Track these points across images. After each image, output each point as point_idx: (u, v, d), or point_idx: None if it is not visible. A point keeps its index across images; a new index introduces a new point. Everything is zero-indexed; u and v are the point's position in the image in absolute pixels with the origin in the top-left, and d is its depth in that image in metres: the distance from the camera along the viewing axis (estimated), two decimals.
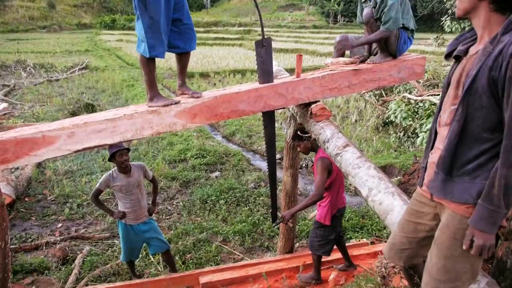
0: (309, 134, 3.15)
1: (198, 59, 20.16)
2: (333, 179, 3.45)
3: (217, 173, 7.10)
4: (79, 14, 55.49)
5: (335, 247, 3.80)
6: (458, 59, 1.50)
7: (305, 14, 53.12)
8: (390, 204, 2.02)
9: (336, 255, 4.02)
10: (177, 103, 2.60)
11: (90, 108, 10.75)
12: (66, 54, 25.42)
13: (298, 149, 3.59)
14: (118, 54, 25.61)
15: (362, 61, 3.26)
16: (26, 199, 6.11)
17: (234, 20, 46.91)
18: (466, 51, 1.47)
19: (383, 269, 2.43)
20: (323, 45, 27.28)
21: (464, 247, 1.38)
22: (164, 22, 2.46)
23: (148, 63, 2.58)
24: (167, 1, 2.45)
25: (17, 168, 6.67)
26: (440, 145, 1.49)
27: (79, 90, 14.42)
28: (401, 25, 2.98)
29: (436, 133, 1.56)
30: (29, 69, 18.15)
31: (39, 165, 7.25)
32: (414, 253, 1.71)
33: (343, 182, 3.64)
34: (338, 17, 48.18)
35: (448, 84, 1.51)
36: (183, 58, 2.80)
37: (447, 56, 1.56)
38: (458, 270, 1.45)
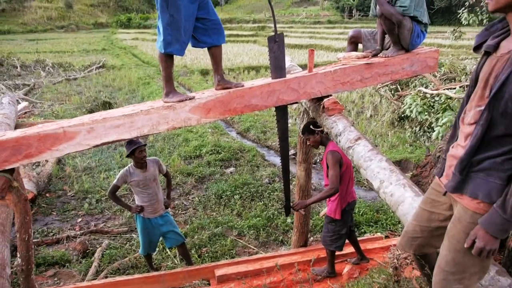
0: (321, 128, 3.18)
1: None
2: (343, 172, 3.47)
3: (232, 169, 7.18)
4: (96, 13, 56.30)
5: (347, 241, 3.82)
6: (488, 53, 1.42)
7: (320, 9, 52.69)
8: (401, 196, 2.04)
9: (350, 248, 4.05)
10: (191, 99, 2.66)
11: (108, 106, 10.94)
12: (83, 53, 25.88)
13: (308, 143, 3.62)
14: (134, 53, 25.94)
15: (375, 55, 3.26)
16: (47, 194, 6.31)
17: (248, 16, 46.91)
18: (496, 46, 1.38)
19: (395, 261, 2.45)
20: (338, 40, 27.05)
21: (465, 245, 1.39)
22: (184, 21, 2.52)
23: (166, 59, 2.66)
24: (191, 1, 2.52)
25: (38, 165, 6.88)
26: (461, 141, 1.46)
27: (97, 88, 14.69)
28: (411, 15, 2.96)
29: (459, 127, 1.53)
30: (48, 69, 18.56)
31: (59, 162, 7.46)
32: (425, 242, 1.71)
33: (352, 176, 3.67)
34: (353, 11, 47.63)
35: (476, 79, 1.44)
36: (214, 52, 2.83)
37: (476, 48, 1.48)
38: (466, 264, 1.45)
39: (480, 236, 1.35)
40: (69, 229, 5.29)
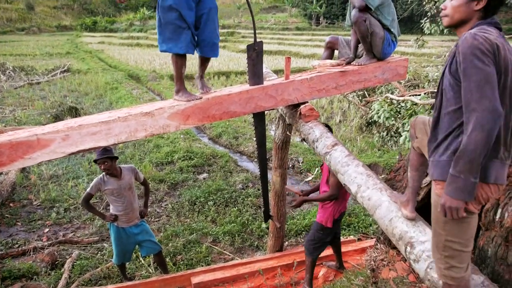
0: None
1: None
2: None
3: (204, 175, 7.14)
4: (59, 16, 54.56)
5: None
6: None
7: (288, 16, 53.51)
8: (378, 200, 2.12)
9: (326, 252, 4.10)
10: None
11: (74, 111, 10.62)
12: (46, 56, 25.00)
13: None
14: (100, 57, 25.34)
15: (348, 63, 3.36)
16: (11, 204, 6.03)
17: None
18: None
19: (372, 263, 2.53)
20: (306, 47, 27.60)
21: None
22: (175, 20, 2.57)
23: (176, 59, 2.71)
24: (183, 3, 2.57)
25: (1, 173, 6.56)
26: None
27: (62, 93, 14.22)
28: (373, 8, 3.05)
29: None
30: (9, 72, 17.73)
31: (23, 170, 7.14)
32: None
33: None
34: (320, 19, 48.70)
35: None
36: (201, 59, 2.96)
37: None
38: (441, 243, 1.55)
39: (442, 198, 1.47)
40: (36, 240, 5.08)
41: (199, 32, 2.74)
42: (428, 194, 2.46)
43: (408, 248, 1.85)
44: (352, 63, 3.34)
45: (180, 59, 2.72)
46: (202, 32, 2.72)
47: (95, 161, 3.59)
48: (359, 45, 3.33)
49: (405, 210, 1.92)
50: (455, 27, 1.54)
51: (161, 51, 2.70)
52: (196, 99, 2.70)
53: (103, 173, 3.71)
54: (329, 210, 3.47)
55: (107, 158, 3.57)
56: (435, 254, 1.61)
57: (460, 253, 1.54)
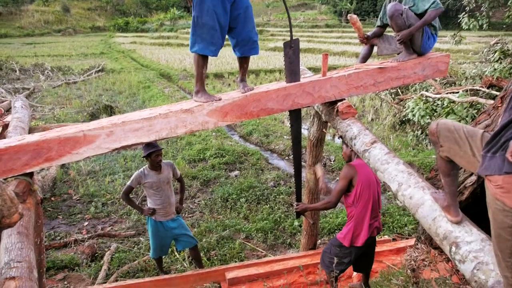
0: None
1: (212, 60, 20.33)
2: (359, 193, 3.10)
3: (236, 172, 7.20)
4: (93, 17, 56.27)
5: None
6: None
7: (317, 13, 53.00)
8: (420, 198, 2.07)
9: None
10: (218, 100, 2.70)
11: (109, 109, 10.95)
12: (81, 57, 25.86)
13: (342, 153, 3.49)
14: (133, 56, 25.95)
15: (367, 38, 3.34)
16: (52, 198, 6.30)
17: None
18: None
19: (412, 262, 2.48)
20: (336, 44, 27.21)
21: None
22: (211, 22, 2.60)
23: (198, 59, 2.75)
24: (219, 5, 2.59)
25: (43, 169, 6.86)
26: None
27: (97, 92, 14.68)
28: (438, 6, 2.99)
29: None
30: (47, 72, 18.49)
31: (63, 165, 7.44)
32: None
33: (376, 203, 3.18)
34: None
35: None
36: (240, 59, 3.01)
37: None
38: (509, 249, 1.45)
39: None
40: (76, 233, 5.29)
41: (236, 32, 2.75)
42: (472, 194, 2.39)
43: (453, 248, 1.80)
44: (390, 60, 3.28)
45: (202, 60, 2.75)
46: (241, 31, 2.74)
47: (149, 154, 3.68)
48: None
49: (449, 215, 1.86)
50: None
51: (192, 51, 2.72)
52: (216, 100, 2.72)
53: (144, 166, 3.83)
54: (349, 227, 3.21)
55: (161, 149, 3.76)
56: (500, 263, 1.51)
57: None
